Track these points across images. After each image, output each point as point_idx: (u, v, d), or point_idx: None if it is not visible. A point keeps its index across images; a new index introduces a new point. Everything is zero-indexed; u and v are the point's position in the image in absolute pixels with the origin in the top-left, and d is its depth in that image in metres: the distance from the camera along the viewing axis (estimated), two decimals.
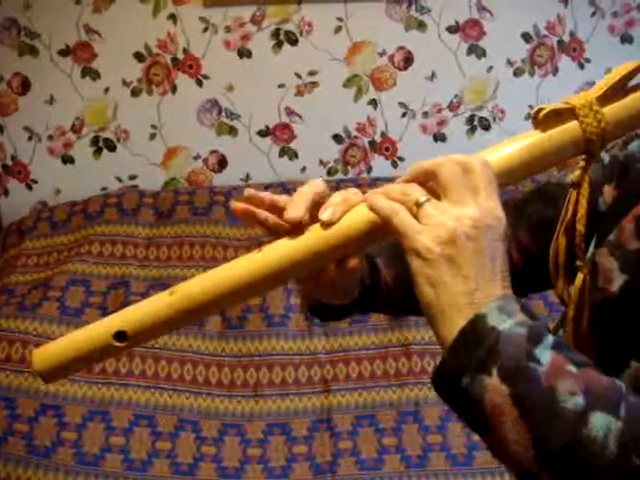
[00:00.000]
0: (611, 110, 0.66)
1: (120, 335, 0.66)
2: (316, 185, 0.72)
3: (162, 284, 2.28)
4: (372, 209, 0.66)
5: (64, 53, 2.56)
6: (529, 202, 0.93)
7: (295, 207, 0.69)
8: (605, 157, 0.84)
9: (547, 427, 0.55)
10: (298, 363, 2.10)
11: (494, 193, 0.62)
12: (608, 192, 0.78)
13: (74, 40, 2.55)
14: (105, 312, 2.18)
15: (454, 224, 0.59)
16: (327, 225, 0.68)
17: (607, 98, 0.67)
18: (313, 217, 0.70)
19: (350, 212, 0.68)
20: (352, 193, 0.71)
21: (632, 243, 0.69)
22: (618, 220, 0.72)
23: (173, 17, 2.56)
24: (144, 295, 2.23)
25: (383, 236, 0.68)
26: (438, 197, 0.63)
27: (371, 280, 0.85)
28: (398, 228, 0.62)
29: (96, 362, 0.70)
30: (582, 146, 0.67)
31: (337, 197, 0.70)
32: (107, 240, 2.39)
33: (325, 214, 0.68)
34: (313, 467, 1.89)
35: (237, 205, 0.74)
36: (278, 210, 0.73)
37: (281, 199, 0.74)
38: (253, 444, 1.94)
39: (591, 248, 0.76)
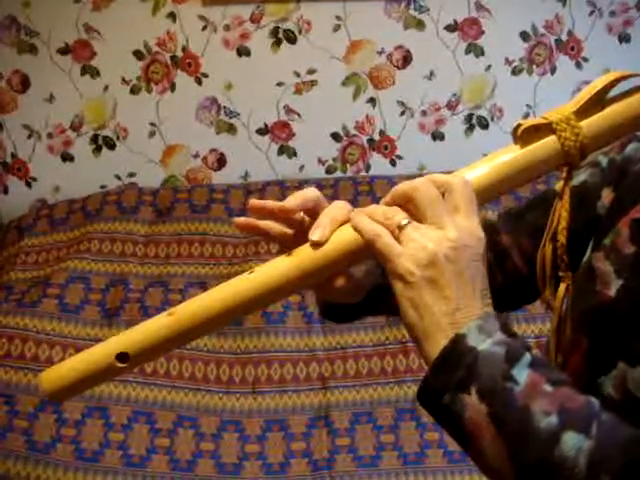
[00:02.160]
0: (589, 123, 0.68)
1: (122, 356, 0.69)
2: (339, 208, 0.73)
3: (161, 281, 2.29)
4: (356, 230, 0.67)
5: (63, 51, 2.57)
6: (531, 209, 0.94)
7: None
8: (603, 160, 0.84)
9: (522, 445, 0.58)
10: (296, 360, 2.11)
11: (474, 213, 0.64)
12: (606, 195, 0.79)
13: (73, 38, 2.56)
14: (104, 309, 2.19)
15: (434, 247, 0.61)
16: (316, 245, 0.69)
17: (585, 111, 0.68)
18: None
19: (337, 232, 0.70)
20: (339, 208, 0.72)
21: (627, 247, 0.69)
22: (614, 223, 0.72)
23: (172, 15, 2.57)
24: (143, 292, 2.24)
25: (369, 255, 0.69)
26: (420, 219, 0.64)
27: (382, 279, 0.86)
28: (380, 252, 0.64)
29: (101, 382, 0.73)
30: (561, 160, 0.68)
31: (325, 217, 0.71)
32: (106, 237, 2.40)
33: (315, 235, 0.70)
34: (311, 463, 1.90)
35: (239, 220, 0.77)
36: (282, 215, 0.76)
37: (286, 205, 0.76)
38: (251, 440, 1.95)
39: (588, 251, 0.76)
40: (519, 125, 0.68)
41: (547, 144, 0.68)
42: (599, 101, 0.69)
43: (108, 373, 0.70)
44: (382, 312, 0.91)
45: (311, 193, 0.76)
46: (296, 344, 2.14)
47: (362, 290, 0.83)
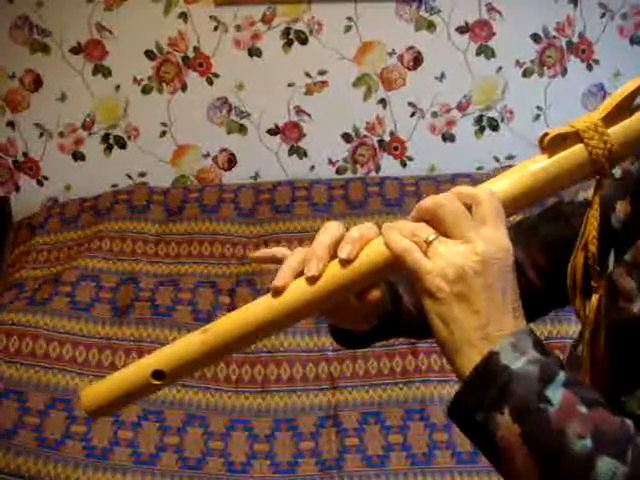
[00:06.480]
0: (617, 130, 0.66)
1: (158, 373, 0.70)
2: (332, 231, 0.71)
3: (171, 280, 2.30)
4: (386, 245, 0.66)
5: (76, 51, 2.58)
6: (543, 222, 0.92)
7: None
8: (617, 171, 0.81)
9: (555, 468, 0.57)
10: (305, 360, 2.11)
11: (501, 224, 0.63)
12: (621, 208, 0.76)
13: (86, 38, 2.57)
14: (115, 307, 2.20)
15: (461, 261, 0.61)
16: (345, 262, 0.68)
17: (612, 118, 0.66)
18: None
19: (367, 247, 0.69)
20: (367, 228, 0.71)
21: None
22: (633, 238, 0.70)
23: (184, 16, 2.58)
24: (153, 291, 2.25)
25: (399, 270, 0.68)
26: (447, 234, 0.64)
27: (393, 307, 0.86)
28: (410, 268, 0.63)
29: (137, 399, 0.74)
30: (590, 168, 0.67)
31: (354, 233, 0.70)
32: (117, 236, 2.41)
33: (343, 252, 0.68)
34: (319, 463, 1.90)
35: (254, 256, 0.81)
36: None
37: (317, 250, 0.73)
38: (260, 440, 1.95)
39: (610, 266, 0.74)
40: (546, 134, 0.66)
41: (575, 153, 0.66)
42: (626, 108, 0.67)
43: (144, 391, 0.72)
44: (397, 336, 0.92)
45: (336, 230, 0.72)
46: (305, 344, 2.15)
47: (371, 319, 0.83)
